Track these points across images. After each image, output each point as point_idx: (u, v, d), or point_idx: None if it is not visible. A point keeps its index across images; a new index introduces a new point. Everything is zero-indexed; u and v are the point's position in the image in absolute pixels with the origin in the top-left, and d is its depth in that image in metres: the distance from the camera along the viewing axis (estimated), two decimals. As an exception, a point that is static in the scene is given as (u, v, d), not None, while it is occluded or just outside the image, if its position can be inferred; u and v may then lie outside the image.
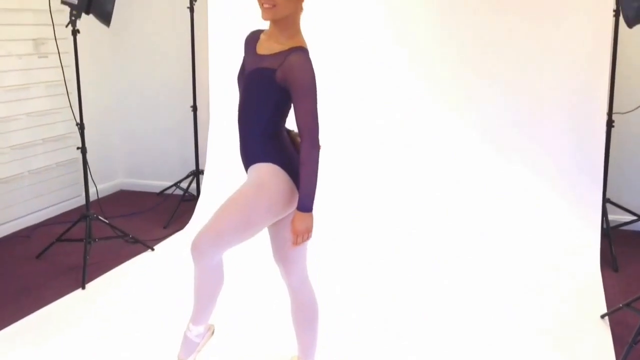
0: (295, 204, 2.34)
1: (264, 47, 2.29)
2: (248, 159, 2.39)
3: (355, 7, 4.32)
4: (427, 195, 4.31)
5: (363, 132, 4.42)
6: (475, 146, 4.23)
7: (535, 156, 4.11)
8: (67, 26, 3.58)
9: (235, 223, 2.29)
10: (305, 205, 2.24)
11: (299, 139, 2.37)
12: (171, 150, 5.39)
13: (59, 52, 3.67)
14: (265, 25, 2.29)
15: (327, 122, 3.43)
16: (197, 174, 4.94)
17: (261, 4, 2.19)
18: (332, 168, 4.12)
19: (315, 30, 3.47)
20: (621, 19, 3.38)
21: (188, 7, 4.68)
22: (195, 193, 4.92)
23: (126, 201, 5.25)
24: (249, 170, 2.39)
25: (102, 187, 5.17)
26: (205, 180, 4.72)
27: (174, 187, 5.12)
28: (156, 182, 5.43)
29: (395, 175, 4.38)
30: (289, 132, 2.43)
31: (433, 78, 4.25)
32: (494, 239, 4.07)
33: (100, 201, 4.30)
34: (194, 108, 4.86)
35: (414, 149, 4.35)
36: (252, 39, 2.36)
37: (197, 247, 2.31)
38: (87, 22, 3.75)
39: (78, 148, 3.83)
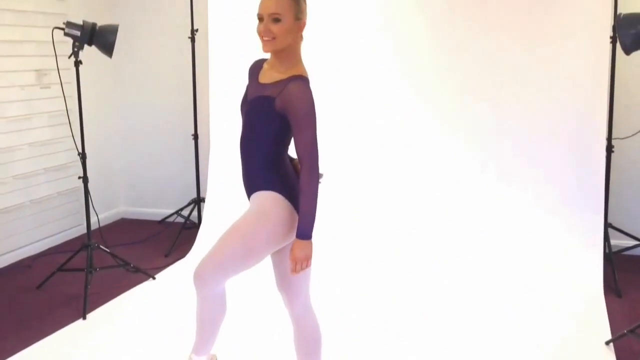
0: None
1: (266, 76, 2.32)
2: (250, 186, 2.40)
3: (356, 30, 4.36)
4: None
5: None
6: (474, 173, 4.23)
7: (536, 181, 4.11)
8: (69, 57, 3.62)
9: (237, 251, 2.29)
10: (305, 232, 2.24)
11: None
12: (172, 178, 5.40)
13: (61, 83, 3.70)
14: (268, 54, 2.32)
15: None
16: (198, 201, 4.95)
17: (261, 37, 2.24)
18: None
19: (317, 43, 3.51)
20: (618, 45, 3.41)
21: (189, 37, 4.74)
22: (196, 221, 4.92)
23: (127, 230, 5.25)
24: (251, 198, 2.40)
25: (103, 215, 5.18)
26: (206, 208, 4.72)
27: (175, 215, 5.12)
28: (157, 210, 5.43)
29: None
30: (291, 159, 2.45)
31: (433, 101, 4.28)
32: (495, 265, 4.05)
33: (102, 230, 4.30)
34: (195, 136, 4.89)
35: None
36: (256, 68, 2.39)
37: (200, 276, 2.31)
38: (89, 52, 3.79)
39: (80, 177, 3.84)
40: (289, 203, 2.33)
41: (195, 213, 4.98)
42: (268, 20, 2.21)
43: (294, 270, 2.28)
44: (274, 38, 2.22)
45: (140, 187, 5.54)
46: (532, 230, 4.09)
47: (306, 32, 2.31)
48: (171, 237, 4.79)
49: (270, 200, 2.32)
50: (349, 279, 3.75)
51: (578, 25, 3.93)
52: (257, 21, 2.26)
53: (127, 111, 5.44)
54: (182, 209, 5.07)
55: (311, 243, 2.27)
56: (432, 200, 4.29)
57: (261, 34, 2.23)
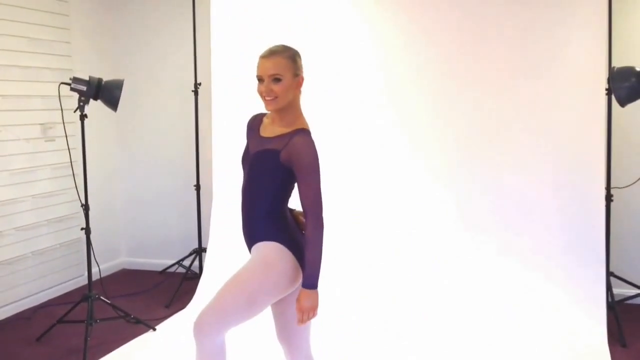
0: (298, 283, 2.37)
1: (268, 130, 2.38)
2: (252, 237, 2.42)
3: (352, 73, 4.40)
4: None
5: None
6: (475, 226, 4.22)
7: (536, 231, 4.09)
8: (75, 111, 3.70)
9: (238, 302, 2.30)
10: (311, 282, 2.27)
11: (301, 218, 2.41)
12: (174, 229, 5.43)
13: (66, 136, 3.77)
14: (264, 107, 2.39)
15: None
16: (199, 252, 4.96)
17: (263, 97, 2.32)
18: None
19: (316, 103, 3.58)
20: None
21: (193, 91, 4.85)
22: (197, 271, 4.92)
23: (129, 280, 5.24)
24: (253, 249, 2.42)
25: (104, 266, 5.18)
26: (207, 258, 4.72)
27: (176, 266, 5.12)
28: (159, 261, 5.43)
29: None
30: (291, 211, 2.48)
31: (428, 155, 4.32)
32: (495, 322, 3.95)
33: (103, 281, 4.30)
34: (197, 187, 4.94)
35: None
36: (255, 122, 2.46)
37: (200, 326, 2.31)
38: (93, 105, 3.87)
39: (82, 229, 3.87)
40: (291, 254, 2.35)
41: (196, 263, 4.98)
42: (268, 81, 2.29)
43: (301, 321, 2.29)
44: (275, 97, 2.30)
45: (141, 238, 5.56)
46: (533, 280, 4.07)
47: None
48: (172, 287, 4.78)
49: (273, 250, 2.35)
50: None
51: (574, 78, 3.98)
52: (257, 79, 2.34)
53: (129, 163, 5.51)
54: (183, 259, 5.07)
55: (317, 292, 2.29)
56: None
57: (263, 94, 2.31)
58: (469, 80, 4.17)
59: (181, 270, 5.06)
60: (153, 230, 5.51)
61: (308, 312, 2.28)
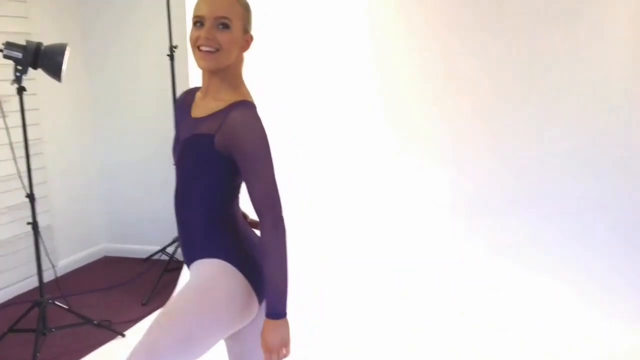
0: (252, 313, 1.77)
1: (200, 108, 1.75)
2: (190, 252, 1.83)
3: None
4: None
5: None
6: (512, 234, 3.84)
7: (578, 246, 3.64)
8: (12, 84, 3.09)
9: (173, 340, 1.70)
10: (277, 310, 1.66)
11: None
12: (156, 211, 4.83)
13: (2, 112, 3.18)
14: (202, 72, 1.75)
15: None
16: (184, 238, 4.39)
17: (197, 47, 1.67)
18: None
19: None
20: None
21: (168, 55, 4.22)
22: (182, 259, 4.36)
23: (109, 270, 4.70)
24: (191, 268, 1.83)
25: (84, 254, 4.68)
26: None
27: (160, 253, 4.57)
28: (143, 247, 4.88)
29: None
30: (245, 217, 1.88)
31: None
32: (533, 340, 3.33)
33: (81, 270, 3.76)
34: (178, 165, 4.35)
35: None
36: (187, 99, 1.83)
37: (131, 370, 1.73)
38: (65, 76, 3.25)
39: (29, 223, 3.27)
40: (240, 274, 1.74)
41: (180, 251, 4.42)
42: (212, 25, 1.65)
43: None
44: (217, 50, 1.65)
45: (123, 222, 4.99)
46: (573, 299, 3.52)
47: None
48: (155, 279, 4.23)
49: (214, 271, 1.75)
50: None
51: (622, 68, 3.62)
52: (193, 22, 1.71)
53: (105, 138, 4.90)
54: (167, 246, 4.51)
55: (287, 322, 1.68)
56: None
57: (201, 41, 1.66)
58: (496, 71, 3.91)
59: (166, 258, 4.50)
60: (134, 214, 4.95)
61: (277, 350, 1.67)
